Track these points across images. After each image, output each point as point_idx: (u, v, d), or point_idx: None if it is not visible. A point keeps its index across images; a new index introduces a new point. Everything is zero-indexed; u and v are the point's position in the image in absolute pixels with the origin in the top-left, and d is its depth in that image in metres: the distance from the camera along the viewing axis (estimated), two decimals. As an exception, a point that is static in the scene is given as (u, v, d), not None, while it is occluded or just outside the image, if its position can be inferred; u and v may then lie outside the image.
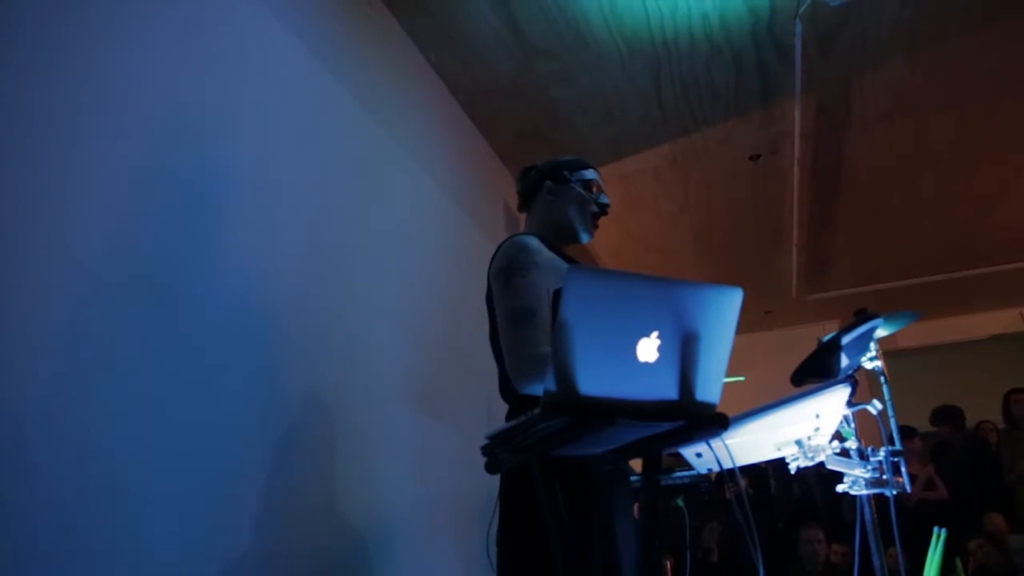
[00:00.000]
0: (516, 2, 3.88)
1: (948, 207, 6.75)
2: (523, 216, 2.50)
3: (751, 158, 5.73)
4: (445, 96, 4.53)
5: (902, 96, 4.95)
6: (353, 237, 3.20)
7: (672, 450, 2.27)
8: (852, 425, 2.74)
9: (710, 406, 1.59)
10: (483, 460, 1.64)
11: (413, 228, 3.79)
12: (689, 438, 1.71)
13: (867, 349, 2.89)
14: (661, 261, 7.57)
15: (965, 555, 5.29)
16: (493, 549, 2.04)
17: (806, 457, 2.54)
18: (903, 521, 2.76)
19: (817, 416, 2.48)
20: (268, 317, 2.56)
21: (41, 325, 1.75)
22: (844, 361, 2.87)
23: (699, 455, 2.35)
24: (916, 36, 4.34)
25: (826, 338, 2.86)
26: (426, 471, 3.48)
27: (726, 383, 1.64)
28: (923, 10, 4.10)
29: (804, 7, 3.96)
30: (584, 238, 2.40)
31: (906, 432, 5.90)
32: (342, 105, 3.26)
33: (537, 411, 1.43)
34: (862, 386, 2.63)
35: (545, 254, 2.15)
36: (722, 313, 1.57)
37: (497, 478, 1.99)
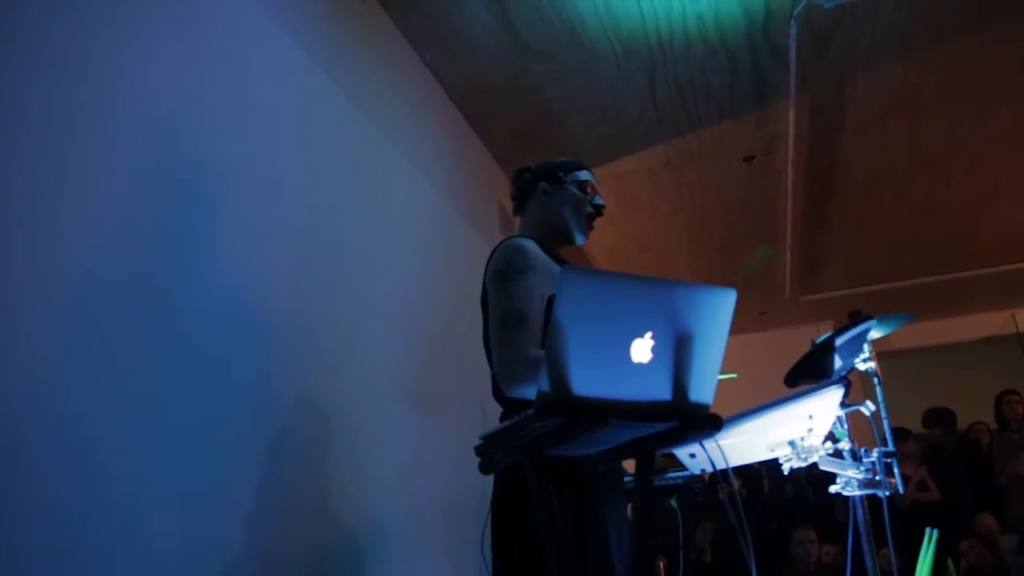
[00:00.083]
0: (511, 2, 3.87)
1: (941, 209, 6.77)
2: (518, 217, 2.50)
3: (745, 159, 5.74)
4: (440, 96, 4.52)
5: (896, 98, 4.97)
6: (347, 236, 3.19)
7: (666, 451, 2.27)
8: (845, 426, 2.74)
9: (703, 407, 1.60)
10: (476, 460, 1.64)
11: (407, 228, 3.79)
12: (683, 439, 1.71)
13: (860, 350, 2.89)
14: (655, 262, 7.57)
15: (957, 556, 5.30)
16: (487, 550, 2.04)
17: (799, 458, 2.55)
18: (895, 522, 2.76)
19: (810, 417, 2.48)
20: (261, 316, 2.56)
21: (38, 323, 1.74)
22: (838, 362, 2.87)
23: (692, 456, 2.36)
24: (910, 38, 4.34)
25: (820, 339, 2.86)
26: (419, 471, 3.47)
27: (719, 381, 1.64)
28: (917, 12, 4.11)
29: (799, 9, 3.96)
30: (579, 239, 2.40)
31: (900, 434, 5.93)
32: (336, 104, 3.26)
33: (531, 411, 1.43)
34: (855, 387, 2.63)
35: (541, 257, 2.15)
36: (716, 314, 1.57)
37: (490, 479, 1.99)
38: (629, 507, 2.26)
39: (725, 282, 1.65)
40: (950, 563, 4.73)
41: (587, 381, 1.43)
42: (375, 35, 3.77)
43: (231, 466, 2.30)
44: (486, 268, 2.20)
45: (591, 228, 2.43)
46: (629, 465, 2.08)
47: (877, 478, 2.65)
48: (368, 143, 3.50)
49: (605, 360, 1.46)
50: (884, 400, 2.87)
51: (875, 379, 2.93)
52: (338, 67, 3.29)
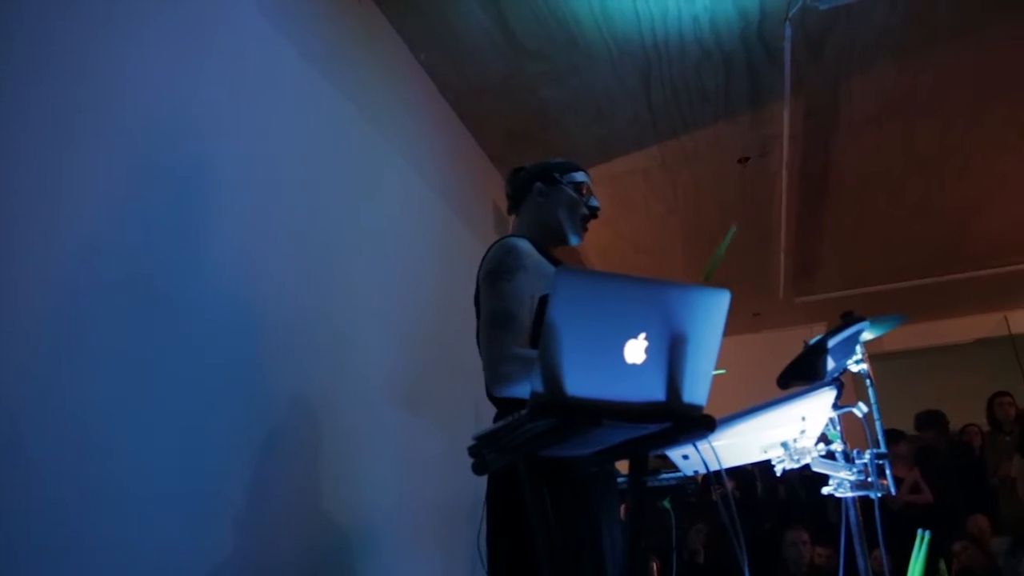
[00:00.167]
0: (507, 2, 3.87)
1: (935, 211, 6.78)
2: (512, 216, 2.50)
3: (740, 160, 5.75)
4: (434, 95, 4.52)
5: (890, 100, 4.98)
6: (341, 236, 3.19)
7: (659, 452, 2.27)
8: (838, 428, 2.74)
9: (697, 408, 1.59)
10: (470, 461, 1.64)
11: (402, 227, 3.78)
12: (676, 440, 1.71)
13: (853, 352, 2.90)
14: (650, 262, 7.57)
15: (949, 557, 5.31)
16: (483, 551, 2.04)
17: (792, 459, 2.55)
18: (888, 523, 2.77)
19: (803, 419, 2.48)
20: (255, 316, 2.56)
21: (32, 321, 1.74)
22: (830, 364, 2.88)
23: (686, 457, 2.36)
24: (904, 41, 4.36)
25: (813, 341, 2.87)
26: (412, 471, 3.47)
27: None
28: (911, 15, 4.12)
29: (794, 11, 3.97)
30: (573, 240, 2.40)
31: (893, 436, 5.93)
32: (331, 103, 3.26)
33: (524, 412, 1.43)
34: (848, 389, 2.64)
35: (534, 257, 2.16)
36: (710, 315, 1.57)
37: (484, 479, 1.99)
38: (622, 508, 2.27)
39: (719, 283, 1.65)
40: (942, 564, 4.74)
41: (581, 382, 1.43)
42: (370, 34, 3.76)
43: (224, 465, 2.29)
44: (480, 267, 2.20)
45: (586, 229, 2.44)
46: (622, 466, 2.09)
47: (869, 480, 2.65)
48: (362, 142, 3.50)
49: (599, 361, 1.46)
50: (876, 402, 2.87)
51: (867, 381, 2.93)
52: (333, 65, 3.29)
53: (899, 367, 9.17)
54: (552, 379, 1.40)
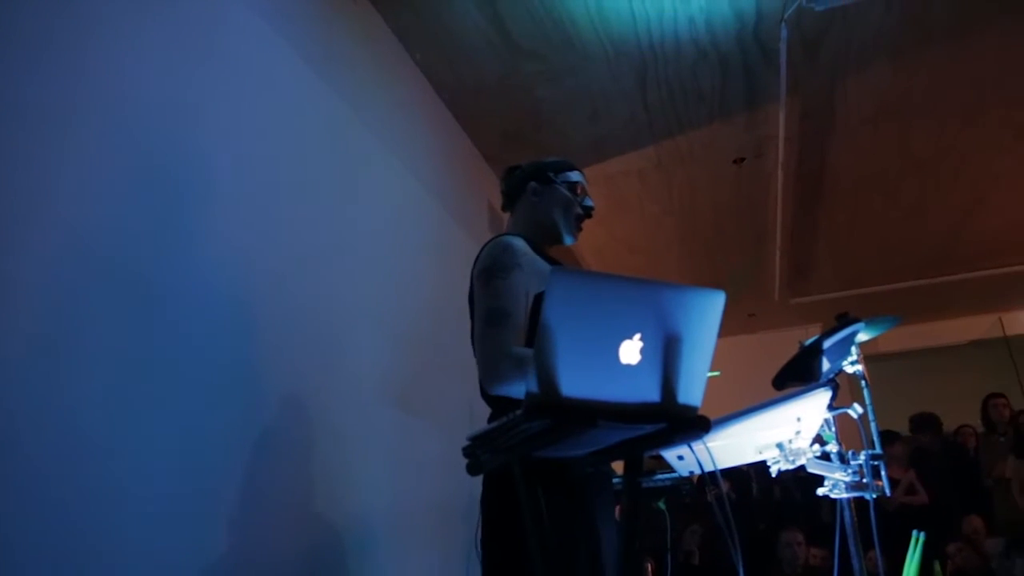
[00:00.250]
0: (502, 2, 3.87)
1: (930, 213, 6.80)
2: (506, 216, 2.50)
3: (735, 161, 5.75)
4: (429, 95, 4.51)
5: (885, 101, 4.98)
6: (335, 235, 3.18)
7: (654, 452, 2.27)
8: (833, 429, 2.74)
9: (692, 409, 1.59)
10: (464, 461, 1.64)
11: (396, 226, 3.78)
12: (671, 440, 1.71)
13: (848, 353, 2.90)
14: (645, 263, 7.58)
15: (944, 558, 5.32)
16: (478, 552, 2.03)
17: (787, 460, 2.54)
18: (883, 524, 2.77)
19: (798, 420, 2.48)
20: (249, 316, 2.55)
21: (29, 320, 1.73)
22: (825, 365, 2.87)
23: (681, 457, 2.35)
24: (899, 42, 4.36)
25: (808, 342, 2.86)
26: (407, 472, 3.46)
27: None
28: (906, 17, 4.12)
29: (789, 12, 3.97)
30: (568, 240, 2.40)
31: (888, 437, 5.95)
32: (325, 102, 3.25)
33: (519, 412, 1.42)
34: (843, 390, 2.64)
35: (529, 255, 2.15)
36: (705, 316, 1.57)
37: (478, 480, 1.98)
38: (617, 509, 2.26)
39: (714, 284, 1.65)
40: (937, 566, 4.74)
41: (576, 382, 1.42)
42: (365, 33, 3.76)
43: (218, 465, 2.28)
44: (474, 265, 2.19)
45: (580, 229, 2.43)
46: (617, 467, 2.08)
47: (864, 481, 2.65)
48: (357, 141, 3.49)
49: (594, 361, 1.45)
50: (871, 403, 2.87)
51: (863, 382, 2.93)
52: (327, 64, 3.28)
53: (894, 368, 9.21)
54: (547, 380, 1.39)
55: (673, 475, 3.26)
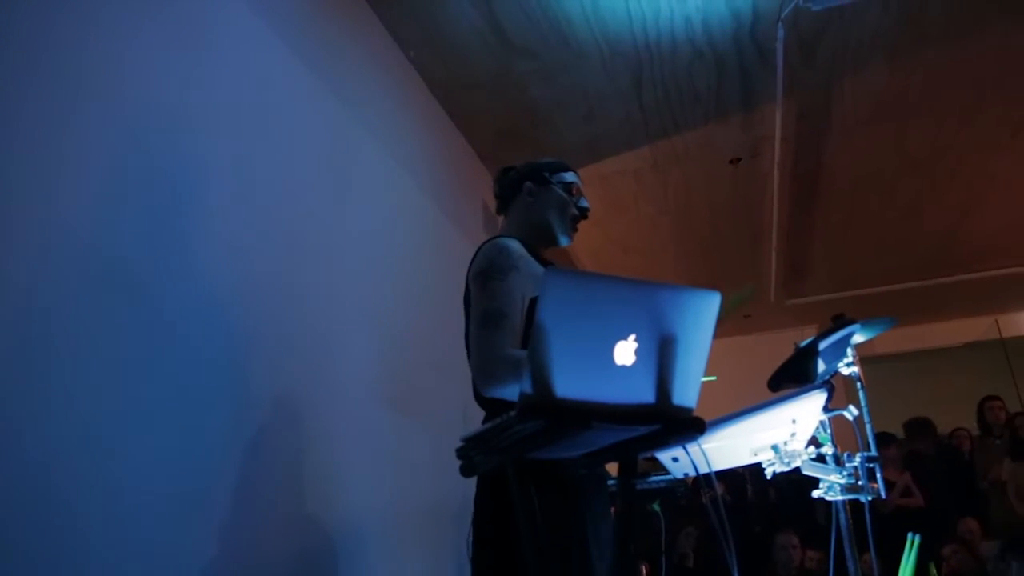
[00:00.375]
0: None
1: (926, 214, 6.80)
2: (501, 216, 2.48)
3: (731, 162, 5.74)
4: (423, 93, 4.49)
5: (882, 102, 4.98)
6: (327, 234, 3.16)
7: (648, 454, 2.26)
8: (828, 431, 2.73)
9: (687, 410, 1.58)
10: (458, 463, 1.62)
11: (389, 225, 3.76)
12: (665, 442, 1.69)
13: (844, 355, 2.89)
14: (640, 264, 7.57)
15: (939, 561, 5.31)
16: (470, 552, 2.02)
17: (782, 462, 2.54)
18: (878, 527, 2.76)
19: (794, 421, 2.47)
20: (241, 316, 2.53)
21: (21, 319, 1.72)
22: (821, 366, 2.87)
23: (675, 459, 2.34)
24: (896, 43, 4.35)
25: (803, 343, 2.86)
26: (400, 473, 3.45)
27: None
28: (903, 17, 4.12)
29: (786, 12, 3.96)
30: (563, 241, 2.39)
31: (884, 439, 5.95)
32: (318, 99, 3.23)
33: (513, 413, 1.41)
34: (839, 392, 2.63)
35: (525, 258, 2.14)
36: (700, 317, 1.55)
37: (471, 482, 1.97)
38: (612, 511, 2.25)
39: (710, 285, 1.64)
40: (932, 568, 4.73)
41: (570, 383, 1.41)
42: (359, 30, 3.74)
43: (210, 466, 2.27)
44: (469, 267, 2.18)
45: (575, 230, 2.42)
46: (612, 468, 2.07)
47: (860, 483, 2.64)
48: (350, 139, 3.47)
49: (588, 362, 1.44)
50: (867, 405, 2.86)
51: (858, 384, 2.92)
52: (320, 61, 3.26)
53: (890, 370, 9.22)
54: (541, 381, 1.38)
55: (668, 477, 3.25)
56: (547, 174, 2.38)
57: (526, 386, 1.38)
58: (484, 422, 2.01)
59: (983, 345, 9.74)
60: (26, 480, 1.67)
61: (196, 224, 2.37)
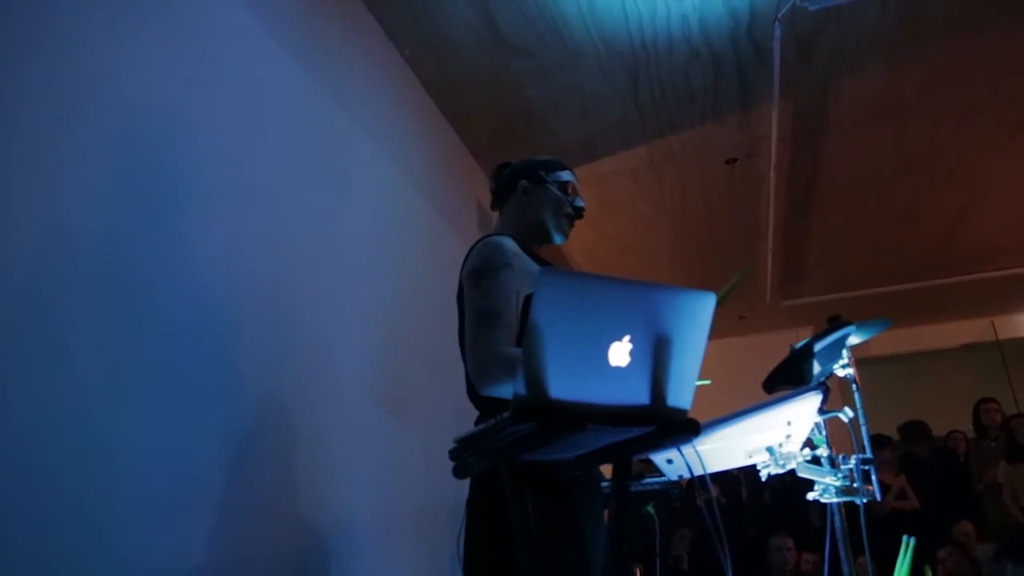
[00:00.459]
0: (494, -2, 3.84)
1: (923, 215, 6.80)
2: (495, 214, 2.47)
3: (728, 162, 5.73)
4: (418, 91, 4.48)
5: (880, 102, 4.97)
6: (321, 233, 3.15)
7: (643, 456, 2.24)
8: (823, 432, 2.72)
9: (681, 412, 1.57)
10: (451, 464, 1.61)
11: (384, 224, 3.74)
12: (660, 444, 1.68)
13: (839, 356, 2.88)
14: (636, 264, 7.56)
15: (934, 563, 5.31)
16: (461, 554, 2.01)
17: (777, 464, 2.53)
18: (873, 529, 2.75)
19: (789, 423, 2.46)
20: (234, 316, 2.51)
21: (16, 316, 1.72)
22: (816, 368, 2.86)
23: (670, 461, 2.33)
24: (894, 42, 4.34)
25: (799, 345, 2.86)
26: (393, 474, 3.43)
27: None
28: (901, 17, 4.11)
29: (783, 11, 3.95)
30: (558, 240, 2.38)
31: (879, 441, 5.95)
32: (312, 98, 3.21)
33: (506, 415, 1.40)
34: (834, 393, 2.62)
35: (520, 256, 2.12)
36: (695, 318, 1.54)
37: (465, 483, 1.96)
38: (606, 513, 2.23)
39: (706, 285, 1.63)
40: (927, 571, 4.73)
41: (564, 384, 1.40)
42: (354, 28, 3.72)
43: (202, 466, 2.26)
44: (463, 265, 2.16)
45: (571, 227, 2.41)
46: (606, 470, 2.06)
47: (855, 485, 2.63)
48: (344, 138, 3.46)
49: (582, 363, 1.43)
50: (863, 407, 2.86)
51: (854, 385, 2.92)
52: (315, 60, 3.25)
53: (885, 372, 9.23)
54: (535, 382, 1.37)
55: (662, 479, 3.23)
56: (543, 172, 2.37)
57: (520, 387, 1.37)
58: (477, 422, 2.01)
59: (979, 347, 9.76)
60: (25, 479, 1.67)
61: (191, 224, 2.37)
